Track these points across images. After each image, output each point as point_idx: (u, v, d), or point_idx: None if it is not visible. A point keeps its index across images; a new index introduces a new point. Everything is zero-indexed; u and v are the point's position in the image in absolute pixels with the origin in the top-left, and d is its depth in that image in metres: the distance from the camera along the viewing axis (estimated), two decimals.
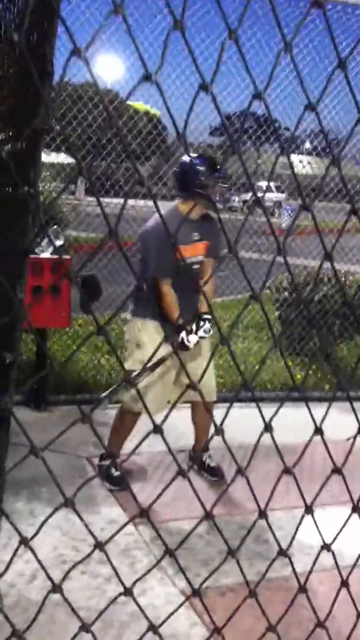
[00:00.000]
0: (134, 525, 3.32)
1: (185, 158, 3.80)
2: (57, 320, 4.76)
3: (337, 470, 1.26)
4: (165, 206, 3.83)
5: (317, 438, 1.70)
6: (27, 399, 4.93)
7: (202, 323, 3.73)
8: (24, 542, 1.04)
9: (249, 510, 3.42)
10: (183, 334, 3.67)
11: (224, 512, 3.46)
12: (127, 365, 3.75)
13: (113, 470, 3.82)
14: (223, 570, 3.19)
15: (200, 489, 3.85)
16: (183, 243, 3.68)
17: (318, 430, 1.24)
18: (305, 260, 6.80)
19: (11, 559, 1.10)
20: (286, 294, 6.35)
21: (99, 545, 1.14)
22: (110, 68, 7.41)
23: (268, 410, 1.36)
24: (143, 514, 1.10)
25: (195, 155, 3.93)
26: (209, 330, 3.74)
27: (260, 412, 1.16)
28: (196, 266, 3.83)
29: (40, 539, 1.11)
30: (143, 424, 4.78)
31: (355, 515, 1.59)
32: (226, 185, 3.90)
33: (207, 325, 3.72)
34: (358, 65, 6.17)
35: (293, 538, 1.35)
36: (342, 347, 6.52)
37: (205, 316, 3.74)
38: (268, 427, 1.15)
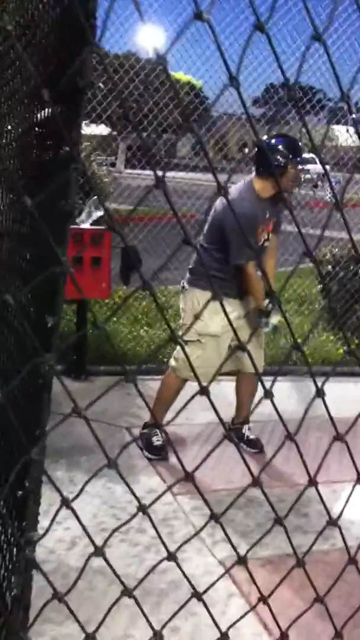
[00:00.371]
0: (173, 495, 3.33)
1: (275, 137, 3.78)
2: (97, 292, 4.77)
3: (339, 438, 1.22)
4: (237, 182, 3.83)
5: (356, 413, 1.65)
6: (67, 368, 4.98)
7: (270, 304, 3.82)
8: (66, 502, 1.04)
9: (289, 483, 3.41)
10: (271, 317, 3.79)
11: (263, 484, 3.45)
12: (184, 335, 3.74)
13: (154, 439, 3.84)
14: (261, 543, 3.19)
15: (238, 460, 3.84)
16: (260, 225, 3.70)
17: None
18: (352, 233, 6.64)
19: (52, 522, 1.10)
20: (329, 267, 6.24)
21: (142, 509, 1.13)
22: (151, 38, 7.31)
23: (306, 383, 1.34)
24: (188, 478, 1.08)
25: (278, 135, 3.89)
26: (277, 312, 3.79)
27: (315, 383, 1.12)
28: (267, 244, 3.83)
29: (80, 507, 1.10)
30: (185, 398, 4.78)
31: None
32: (303, 170, 3.86)
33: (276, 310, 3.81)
34: None
35: (343, 509, 1.32)
36: None
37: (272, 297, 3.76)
38: (320, 393, 1.11)
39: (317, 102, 8.04)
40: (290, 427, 1.22)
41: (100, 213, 4.76)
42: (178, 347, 3.82)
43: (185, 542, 1.23)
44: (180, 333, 3.75)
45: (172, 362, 3.86)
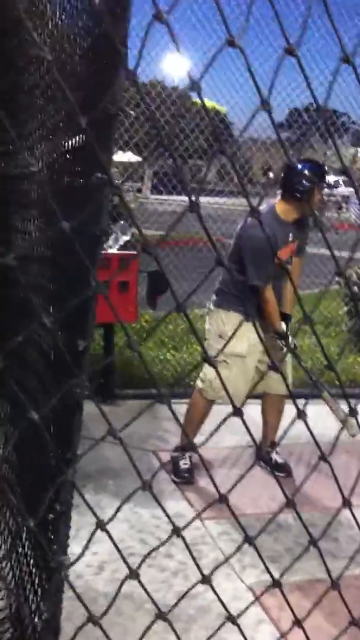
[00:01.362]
0: (201, 521, 3.31)
1: (296, 160, 3.81)
2: (124, 315, 4.80)
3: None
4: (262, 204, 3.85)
5: None
6: (95, 392, 4.99)
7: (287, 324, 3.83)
8: (100, 525, 1.04)
9: (318, 507, 3.36)
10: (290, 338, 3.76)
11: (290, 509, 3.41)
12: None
13: (181, 462, 3.83)
14: (291, 568, 3.14)
15: (265, 485, 3.82)
16: (281, 246, 3.71)
17: None
18: None
19: (86, 546, 1.10)
20: (356, 288, 6.21)
21: (177, 531, 1.13)
22: (176, 66, 7.43)
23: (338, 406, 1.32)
24: (222, 500, 1.08)
25: (305, 160, 3.92)
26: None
27: (349, 403, 1.12)
28: (288, 266, 3.84)
29: (109, 530, 1.11)
30: (212, 422, 4.77)
31: None
32: (328, 198, 3.90)
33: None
34: None
35: None
36: None
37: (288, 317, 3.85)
38: (353, 412, 1.11)
39: (342, 125, 8.08)
40: (318, 449, 1.22)
41: (127, 238, 4.81)
42: (205, 369, 3.84)
43: (218, 566, 1.23)
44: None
45: (199, 384, 3.87)
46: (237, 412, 1.06)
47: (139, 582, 1.18)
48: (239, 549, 1.14)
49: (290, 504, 1.19)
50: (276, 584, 1.33)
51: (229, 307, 3.75)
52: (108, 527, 1.07)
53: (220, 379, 1.12)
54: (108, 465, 3.72)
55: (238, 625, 1.20)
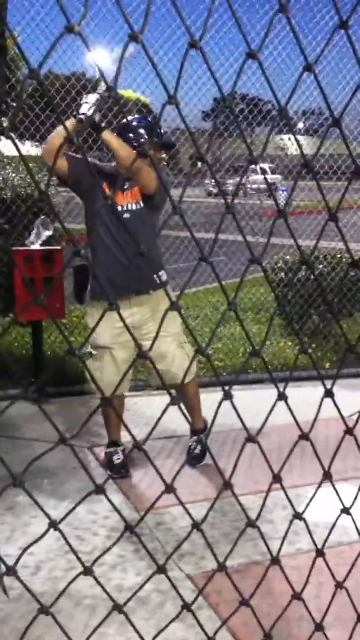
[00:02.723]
0: (137, 512, 3.31)
1: (129, 119, 3.77)
2: (51, 312, 4.74)
3: (304, 437, 1.25)
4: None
5: (320, 416, 1.68)
6: (26, 392, 4.91)
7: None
8: (54, 525, 1.04)
9: (252, 490, 3.42)
10: None
11: (226, 494, 3.45)
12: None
13: (115, 457, 3.81)
14: (227, 552, 3.18)
15: (200, 473, 3.82)
16: (114, 187, 3.57)
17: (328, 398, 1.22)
18: (301, 240, 6.75)
19: (39, 538, 1.08)
20: (282, 274, 6.32)
21: (130, 528, 1.14)
22: (97, 56, 7.35)
23: (268, 391, 1.35)
24: (169, 490, 1.09)
25: (138, 116, 3.90)
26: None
27: (277, 386, 1.14)
28: (126, 215, 3.62)
29: (43, 530, 1.09)
30: (135, 413, 4.77)
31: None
32: (163, 156, 3.80)
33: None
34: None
35: (307, 506, 1.33)
36: (342, 323, 6.51)
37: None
38: (282, 396, 1.13)
39: (267, 112, 8.18)
40: (253, 434, 1.23)
41: (49, 233, 4.73)
42: (88, 363, 3.59)
43: (174, 550, 1.23)
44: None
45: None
46: (108, 402, 1.06)
47: (94, 577, 1.18)
48: (189, 534, 1.15)
49: (227, 484, 1.21)
50: (221, 566, 1.36)
51: (93, 295, 3.67)
52: (42, 526, 1.05)
53: (89, 372, 1.12)
54: (41, 464, 3.67)
55: (192, 612, 1.22)
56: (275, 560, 1.40)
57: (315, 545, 1.41)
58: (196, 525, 1.26)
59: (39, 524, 3.10)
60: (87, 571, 1.07)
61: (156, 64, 1.00)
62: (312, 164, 1.04)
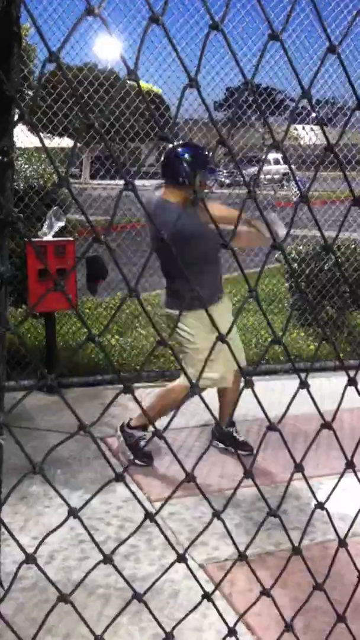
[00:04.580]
0: (150, 502, 3.32)
1: (172, 146, 3.69)
2: (63, 303, 4.74)
3: (327, 426, 1.24)
4: (146, 194, 3.75)
5: (335, 408, 1.67)
6: (46, 381, 4.92)
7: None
8: (73, 513, 1.04)
9: (268, 481, 3.41)
10: None
11: (243, 484, 3.45)
12: (197, 362, 3.66)
13: (143, 443, 3.79)
14: (240, 542, 3.18)
15: (215, 463, 3.82)
16: None
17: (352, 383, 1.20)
18: (315, 230, 6.73)
19: (58, 526, 1.08)
20: (295, 265, 6.29)
21: (150, 516, 1.14)
22: (109, 49, 7.32)
23: (280, 382, 1.35)
24: (189, 478, 1.09)
25: (183, 143, 3.80)
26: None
27: (299, 375, 1.13)
28: None
29: (57, 520, 1.10)
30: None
31: None
32: (211, 183, 3.76)
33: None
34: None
35: (329, 495, 1.33)
36: (356, 314, 6.46)
37: None
38: (304, 384, 1.13)
39: (281, 102, 8.13)
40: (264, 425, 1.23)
41: (61, 224, 4.73)
42: (208, 373, 3.46)
43: (192, 542, 1.23)
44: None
45: (204, 382, 3.58)
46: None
47: (114, 566, 1.18)
48: (210, 522, 1.15)
49: (247, 473, 1.21)
50: (242, 556, 1.36)
51: (189, 305, 3.68)
52: (58, 516, 1.06)
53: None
54: (55, 455, 3.68)
55: (213, 603, 1.22)
56: (296, 550, 1.40)
57: (338, 535, 1.40)
58: (217, 514, 1.26)
59: (52, 513, 3.12)
60: (107, 559, 1.07)
61: (177, 48, 0.99)
62: (333, 152, 1.02)
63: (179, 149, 3.68)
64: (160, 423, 3.93)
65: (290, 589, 2.48)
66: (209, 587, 2.63)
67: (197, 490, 3.48)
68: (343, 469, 1.35)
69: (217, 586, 1.35)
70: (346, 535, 1.43)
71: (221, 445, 3.97)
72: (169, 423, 1.20)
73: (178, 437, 4.12)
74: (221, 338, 1.02)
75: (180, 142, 3.81)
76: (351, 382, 1.20)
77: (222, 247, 0.98)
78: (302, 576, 1.60)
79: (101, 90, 5.97)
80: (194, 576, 1.28)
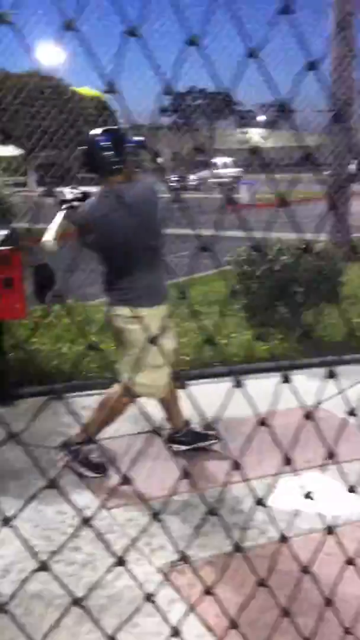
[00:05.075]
0: (107, 510, 3.28)
1: (88, 136, 3.60)
2: (11, 312, 4.66)
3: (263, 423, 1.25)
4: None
5: (292, 406, 1.67)
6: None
7: None
8: (7, 520, 1.02)
9: (222, 483, 3.41)
10: None
11: (198, 485, 3.44)
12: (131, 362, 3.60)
13: (92, 456, 3.76)
14: (200, 544, 3.18)
15: (170, 467, 3.82)
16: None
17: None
18: (265, 232, 6.78)
19: None
20: (245, 266, 6.34)
21: (85, 521, 1.13)
22: (52, 56, 7.27)
23: (227, 384, 1.35)
24: (125, 482, 1.08)
25: (98, 131, 3.62)
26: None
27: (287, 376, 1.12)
28: None
29: (9, 534, 1.07)
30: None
31: (331, 479, 1.58)
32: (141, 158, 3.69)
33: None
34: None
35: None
36: (307, 314, 6.53)
37: None
38: (239, 384, 1.12)
39: (224, 106, 8.19)
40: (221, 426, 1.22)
41: (4, 232, 4.65)
42: (140, 377, 3.40)
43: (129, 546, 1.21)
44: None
45: (139, 388, 3.50)
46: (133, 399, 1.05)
47: (51, 573, 1.16)
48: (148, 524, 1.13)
49: (186, 477, 1.20)
50: (184, 558, 1.35)
51: (124, 302, 3.60)
52: (8, 530, 1.03)
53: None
54: (7, 467, 3.62)
55: (153, 602, 1.20)
56: (240, 551, 1.40)
57: (283, 533, 1.41)
58: (156, 516, 1.25)
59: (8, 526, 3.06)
60: (44, 567, 1.05)
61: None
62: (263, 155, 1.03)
63: (97, 139, 3.55)
64: (116, 430, 3.91)
65: (249, 588, 2.48)
66: (168, 591, 2.61)
67: (155, 496, 3.48)
68: (289, 469, 1.36)
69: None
70: (327, 530, 1.44)
71: (181, 447, 3.97)
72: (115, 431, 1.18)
73: (134, 443, 4.09)
74: (152, 342, 1.01)
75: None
76: (286, 380, 1.21)
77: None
78: (262, 574, 1.60)
79: (48, 98, 5.93)
80: (135, 578, 1.26)
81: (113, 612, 2.49)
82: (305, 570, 1.48)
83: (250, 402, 1.31)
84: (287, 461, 1.42)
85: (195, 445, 3.95)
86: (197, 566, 2.72)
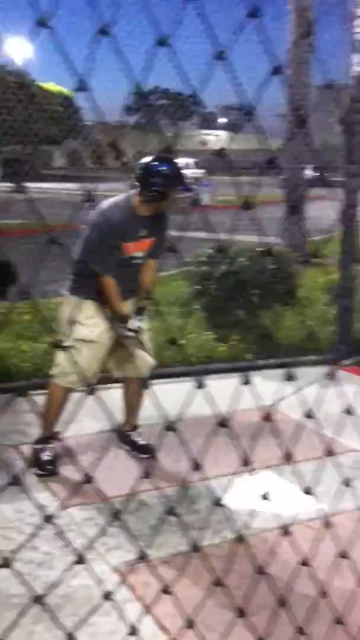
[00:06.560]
0: (64, 509, 3.29)
1: (149, 158, 3.69)
2: None
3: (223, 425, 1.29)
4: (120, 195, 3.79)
5: (247, 406, 1.72)
6: None
7: (139, 314, 3.81)
8: None
9: (179, 482, 3.46)
10: (130, 322, 3.73)
11: (152, 487, 3.47)
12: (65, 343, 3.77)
13: (43, 454, 3.76)
14: (155, 544, 3.21)
15: (130, 466, 3.85)
16: (129, 239, 3.66)
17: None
18: (224, 234, 6.85)
19: None
20: (204, 267, 6.40)
21: (48, 519, 1.14)
22: (19, 50, 7.19)
23: (192, 384, 1.38)
24: (88, 480, 1.10)
25: (162, 157, 3.72)
26: (143, 322, 3.81)
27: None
28: (137, 261, 3.80)
29: None
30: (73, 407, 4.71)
31: (286, 480, 1.63)
32: (185, 198, 3.68)
33: (143, 317, 3.83)
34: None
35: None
36: (263, 315, 6.62)
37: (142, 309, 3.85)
38: (201, 386, 1.15)
39: (187, 107, 8.22)
40: (179, 425, 1.25)
41: None
42: (58, 356, 3.80)
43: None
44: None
45: (54, 371, 3.82)
46: (91, 391, 1.07)
47: (13, 571, 1.17)
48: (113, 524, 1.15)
49: (147, 475, 1.23)
50: (142, 557, 1.38)
51: (83, 294, 3.72)
52: None
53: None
54: None
55: (113, 600, 1.23)
56: (196, 549, 1.44)
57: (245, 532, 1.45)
58: (116, 516, 1.28)
59: None
60: (7, 563, 1.07)
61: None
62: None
63: (155, 162, 3.65)
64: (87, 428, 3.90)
65: (203, 586, 2.53)
66: (123, 591, 2.64)
67: (114, 494, 3.50)
68: (243, 468, 1.40)
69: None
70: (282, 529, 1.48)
71: (126, 447, 4.02)
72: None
73: (93, 440, 4.10)
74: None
75: (158, 154, 3.75)
76: (247, 382, 1.25)
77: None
78: (216, 573, 1.64)
79: (13, 92, 5.87)
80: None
81: (67, 611, 2.51)
82: (260, 570, 1.53)
83: (211, 402, 1.35)
84: (245, 461, 1.46)
85: (132, 453, 4.02)
86: (152, 566, 2.75)
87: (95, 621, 2.38)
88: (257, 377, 4.83)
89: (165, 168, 3.63)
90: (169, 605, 1.99)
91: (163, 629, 2.46)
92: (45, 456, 3.75)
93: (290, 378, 1.60)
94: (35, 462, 3.74)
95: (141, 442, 4.02)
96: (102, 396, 1.28)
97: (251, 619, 1.75)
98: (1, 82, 5.83)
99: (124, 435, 4.07)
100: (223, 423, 1.32)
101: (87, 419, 3.90)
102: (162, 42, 1.04)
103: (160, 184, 3.58)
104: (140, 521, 3.20)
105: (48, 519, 1.15)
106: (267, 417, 1.40)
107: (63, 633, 2.41)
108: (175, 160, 3.90)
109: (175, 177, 3.65)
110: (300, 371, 4.70)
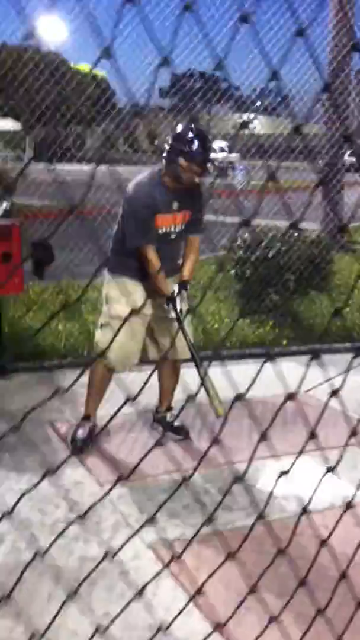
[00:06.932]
0: (99, 485, 3.35)
1: (180, 127, 3.68)
2: (9, 287, 4.69)
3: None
4: (148, 169, 3.79)
5: (280, 392, 1.73)
6: None
7: (180, 291, 3.78)
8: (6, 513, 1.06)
9: (212, 464, 3.49)
10: (171, 302, 3.73)
11: (190, 467, 3.51)
12: (100, 320, 3.86)
13: (79, 432, 3.84)
14: (189, 523, 3.26)
15: (164, 447, 3.89)
16: (161, 211, 3.66)
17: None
18: (262, 219, 6.85)
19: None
20: (241, 252, 6.38)
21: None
22: (53, 30, 7.19)
23: (228, 369, 1.41)
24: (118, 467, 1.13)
25: (192, 126, 3.70)
26: (184, 303, 3.80)
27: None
28: (174, 236, 3.78)
29: (5, 505, 1.12)
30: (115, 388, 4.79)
31: (317, 464, 1.64)
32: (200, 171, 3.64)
33: (185, 297, 3.81)
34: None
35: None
36: (298, 302, 6.60)
37: (184, 285, 3.82)
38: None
39: (225, 91, 8.15)
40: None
41: (4, 205, 4.65)
42: (97, 334, 3.86)
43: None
44: (99, 320, 3.84)
45: (95, 350, 3.90)
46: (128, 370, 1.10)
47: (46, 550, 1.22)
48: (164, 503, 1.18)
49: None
50: (166, 544, 1.41)
51: (120, 272, 3.76)
52: (6, 500, 1.09)
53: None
54: (4, 439, 3.67)
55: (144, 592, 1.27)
56: (264, 520, 1.46)
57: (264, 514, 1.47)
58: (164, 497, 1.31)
59: (5, 494, 3.14)
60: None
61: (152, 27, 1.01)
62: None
63: (183, 133, 3.64)
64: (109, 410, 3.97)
65: (240, 568, 2.56)
66: (157, 567, 2.69)
67: (145, 474, 3.56)
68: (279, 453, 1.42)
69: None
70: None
71: (160, 427, 4.06)
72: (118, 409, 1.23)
73: (126, 421, 4.16)
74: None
75: (188, 125, 3.72)
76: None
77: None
78: (247, 554, 1.67)
79: (46, 73, 5.90)
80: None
81: (102, 585, 2.57)
82: (280, 550, 1.56)
83: (252, 386, 1.37)
84: (272, 445, 1.48)
85: (166, 433, 4.06)
86: (187, 543, 2.80)
87: (130, 595, 2.44)
88: (290, 363, 4.84)
89: (191, 136, 3.59)
90: (206, 585, 2.03)
91: (196, 604, 2.51)
92: (80, 434, 3.82)
93: (320, 364, 1.61)
94: (72, 439, 3.81)
95: (176, 423, 4.06)
96: (138, 377, 1.31)
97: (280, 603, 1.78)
98: (34, 62, 5.87)
99: (159, 416, 4.12)
100: (291, 398, 1.33)
101: (121, 399, 3.95)
102: (187, 7, 1.04)
103: (183, 152, 3.56)
104: (174, 501, 3.25)
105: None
106: (297, 402, 1.41)
107: (99, 607, 2.48)
108: (205, 135, 3.78)
109: (200, 144, 3.59)
110: (333, 358, 4.71)
